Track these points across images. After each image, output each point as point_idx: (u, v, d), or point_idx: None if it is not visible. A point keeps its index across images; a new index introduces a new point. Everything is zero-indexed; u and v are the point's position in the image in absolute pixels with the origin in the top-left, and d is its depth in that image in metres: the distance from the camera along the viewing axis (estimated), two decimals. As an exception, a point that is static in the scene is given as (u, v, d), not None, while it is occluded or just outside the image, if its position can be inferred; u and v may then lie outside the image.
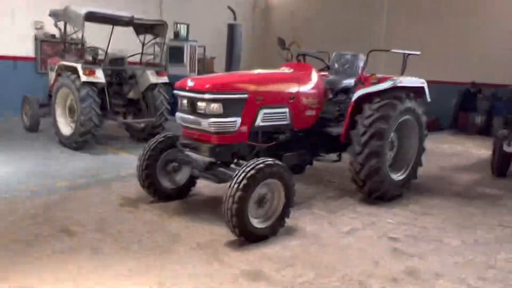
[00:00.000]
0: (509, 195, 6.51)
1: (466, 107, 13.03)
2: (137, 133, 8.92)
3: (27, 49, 11.54)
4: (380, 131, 5.36)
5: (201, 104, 4.56)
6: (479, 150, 10.12)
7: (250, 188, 4.09)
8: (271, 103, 4.94)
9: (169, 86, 8.69)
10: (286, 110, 5.11)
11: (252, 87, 4.76)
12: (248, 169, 4.13)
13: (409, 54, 5.97)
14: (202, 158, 4.68)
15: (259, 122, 4.85)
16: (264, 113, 4.88)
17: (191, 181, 5.53)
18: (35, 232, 4.35)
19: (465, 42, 13.06)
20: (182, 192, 5.52)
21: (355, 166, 5.50)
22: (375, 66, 6.78)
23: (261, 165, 4.17)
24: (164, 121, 8.68)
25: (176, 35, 13.74)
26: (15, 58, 11.36)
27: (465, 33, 13.06)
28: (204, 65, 14.75)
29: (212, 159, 4.62)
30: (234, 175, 4.15)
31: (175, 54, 12.58)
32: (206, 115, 4.53)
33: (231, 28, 6.62)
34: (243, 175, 4.09)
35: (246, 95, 4.67)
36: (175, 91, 4.82)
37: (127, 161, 7.31)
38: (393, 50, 5.79)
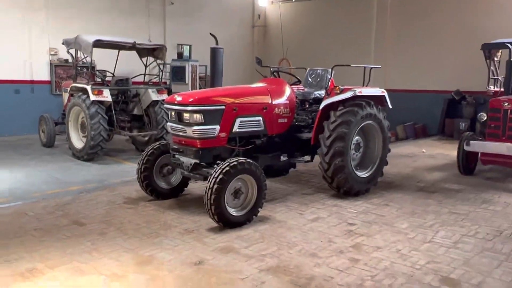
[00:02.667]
0: (468, 189, 7.31)
1: (452, 114, 13.83)
2: (142, 146, 9.91)
3: (43, 74, 12.73)
4: (342, 134, 6.26)
5: (186, 115, 5.53)
6: (455, 152, 10.86)
7: (225, 181, 5.02)
8: (246, 112, 5.89)
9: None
10: (260, 118, 6.06)
11: (228, 100, 5.72)
12: (224, 166, 5.06)
13: (371, 67, 6.88)
14: (188, 160, 5.63)
15: (236, 129, 5.80)
16: (240, 121, 5.82)
17: (184, 182, 6.47)
18: (53, 223, 5.32)
19: (450, 53, 13.93)
20: (176, 192, 6.46)
21: (323, 165, 6.40)
22: (358, 78, 7.62)
23: (235, 163, 5.10)
24: (165, 134, 9.67)
25: (180, 55, 14.87)
26: (32, 82, 12.55)
27: (450, 44, 13.94)
28: (206, 83, 15.84)
29: (196, 161, 5.57)
30: (213, 171, 5.10)
31: (178, 73, 13.67)
32: (190, 124, 5.50)
33: (214, 51, 7.62)
34: (219, 171, 5.03)
35: (223, 107, 5.64)
36: (166, 105, 5.82)
37: (131, 170, 8.23)
38: (353, 65, 6.71)
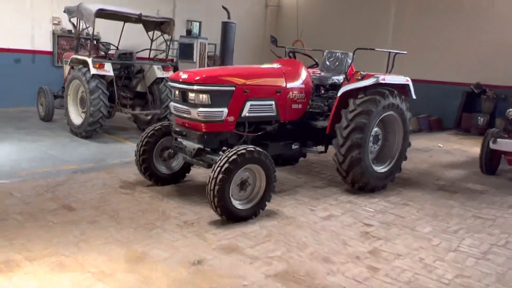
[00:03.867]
0: (492, 191, 6.77)
1: (470, 108, 13.19)
2: (144, 125, 9.39)
3: (45, 43, 12.16)
4: (361, 125, 5.71)
5: (191, 95, 4.98)
6: (475, 149, 10.30)
7: (231, 171, 4.50)
8: (258, 96, 5.33)
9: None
10: (273, 103, 5.50)
11: (239, 80, 5.16)
12: (230, 154, 4.54)
13: (396, 53, 6.28)
14: (192, 144, 5.11)
15: (245, 113, 5.25)
16: (251, 105, 5.27)
17: (186, 167, 5.96)
18: (41, 206, 4.84)
19: (471, 43, 13.20)
20: (176, 178, 5.96)
21: (338, 157, 5.86)
22: (379, 64, 7.05)
23: (243, 151, 4.57)
24: (169, 114, 9.12)
25: (189, 32, 14.23)
26: (34, 52, 11.99)
27: (471, 33, 13.19)
28: (215, 62, 15.24)
29: (200, 146, 5.04)
30: (218, 159, 4.57)
31: (186, 51, 13.06)
32: (195, 105, 4.95)
33: (225, 26, 7.03)
34: (225, 159, 4.51)
35: (233, 88, 5.08)
36: (169, 83, 5.27)
37: (131, 150, 7.68)
38: (377, 49, 6.11)
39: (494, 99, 12.72)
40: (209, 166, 5.11)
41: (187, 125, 5.17)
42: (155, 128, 5.66)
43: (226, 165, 4.47)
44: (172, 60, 11.91)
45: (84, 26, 8.87)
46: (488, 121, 12.63)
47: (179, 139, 5.31)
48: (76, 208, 4.86)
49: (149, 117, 9.27)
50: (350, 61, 6.57)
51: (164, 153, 5.76)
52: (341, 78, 6.48)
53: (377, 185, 6.16)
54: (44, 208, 4.81)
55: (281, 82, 5.60)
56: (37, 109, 10.27)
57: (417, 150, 9.60)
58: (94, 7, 8.05)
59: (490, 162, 7.65)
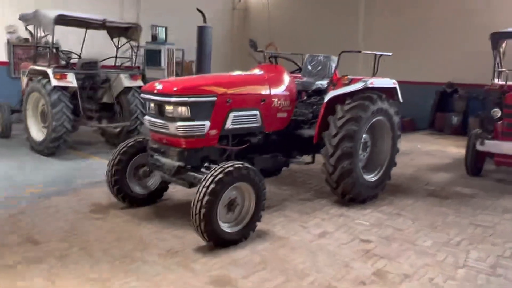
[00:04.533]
0: (481, 194, 6.57)
1: (443, 107, 13.18)
2: (113, 138, 8.77)
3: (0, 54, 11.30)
4: (351, 133, 5.36)
5: (168, 108, 4.48)
6: (453, 149, 10.24)
7: (219, 192, 4.04)
8: (241, 105, 4.89)
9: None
10: (257, 112, 5.07)
11: (221, 90, 4.70)
12: (217, 172, 4.07)
13: (381, 55, 5.98)
14: (171, 162, 4.61)
15: (229, 125, 4.80)
16: (234, 116, 4.82)
17: (163, 185, 5.45)
18: (0, 241, 4.23)
19: (442, 42, 13.19)
20: (153, 197, 5.44)
21: (328, 167, 5.49)
22: (352, 67, 6.81)
23: (230, 168, 4.12)
24: (140, 125, 8.56)
25: (154, 37, 13.61)
26: (-13, 63, 11.13)
27: (442, 33, 13.19)
28: (183, 69, 14.68)
29: (181, 163, 4.55)
30: (203, 179, 4.10)
31: (153, 58, 12.47)
32: (173, 119, 4.46)
33: (201, 30, 6.55)
34: (211, 179, 4.04)
35: (214, 98, 4.62)
36: (143, 95, 4.75)
37: (100, 167, 7.15)
38: (364, 51, 5.79)
39: (466, 98, 12.74)
40: (191, 185, 4.64)
41: (164, 141, 4.67)
42: (128, 145, 5.12)
43: (212, 185, 4.00)
44: (138, 67, 11.28)
45: (42, 34, 8.18)
46: (462, 120, 12.65)
47: (155, 156, 4.80)
48: (42, 241, 4.26)
49: (117, 130, 8.65)
50: (334, 65, 6.21)
51: (139, 172, 5.23)
52: (324, 83, 6.12)
53: (368, 195, 5.82)
54: (3, 243, 4.19)
55: (265, 90, 5.18)
56: (-7, 125, 9.44)
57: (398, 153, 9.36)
58: (53, 13, 7.40)
59: (475, 163, 7.48)
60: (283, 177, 6.98)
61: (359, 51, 5.82)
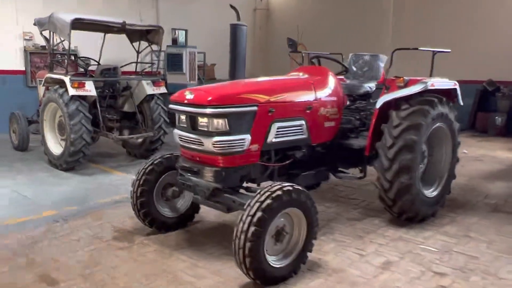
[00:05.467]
0: (554, 207, 5.75)
1: (484, 107, 12.27)
2: (135, 149, 8.19)
3: (16, 62, 10.86)
4: (410, 143, 4.62)
5: (202, 120, 3.82)
6: (503, 153, 9.37)
7: (267, 221, 3.36)
8: (286, 115, 4.20)
9: (168, 96, 8.03)
10: (303, 122, 4.37)
11: (262, 98, 4.02)
12: (263, 197, 3.39)
13: (437, 52, 5.23)
14: (206, 183, 3.94)
15: (271, 138, 4.11)
16: (278, 128, 4.13)
17: (194, 207, 4.80)
18: (10, 280, 3.62)
19: (480, 37, 12.28)
20: (184, 220, 4.80)
21: (383, 183, 4.76)
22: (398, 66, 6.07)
23: (279, 192, 3.43)
24: (163, 135, 7.95)
25: (174, 41, 13.04)
26: (3, 72, 10.68)
27: (479, 27, 12.29)
28: (205, 73, 14.09)
29: (218, 185, 3.88)
30: (246, 205, 3.42)
31: (174, 62, 11.86)
32: (209, 133, 3.79)
33: (234, 29, 5.89)
34: (256, 205, 3.36)
35: (255, 108, 3.94)
36: (171, 106, 4.09)
37: (122, 182, 6.59)
38: (420, 48, 5.05)
39: (510, 96, 11.81)
40: (229, 209, 3.98)
41: (198, 158, 4.00)
42: (155, 162, 4.48)
43: (259, 213, 3.32)
44: (159, 72, 10.69)
45: (59, 40, 7.65)
46: (506, 120, 11.73)
47: (187, 176, 4.14)
48: (59, 280, 3.64)
49: (140, 140, 8.05)
50: (382, 65, 5.49)
51: (168, 192, 4.60)
52: (373, 85, 5.41)
53: (427, 213, 5.07)
54: (14, 282, 3.59)
55: (311, 96, 4.47)
56: (9, 137, 8.97)
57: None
58: (69, 17, 6.83)
59: (539, 171, 6.66)
60: (323, 191, 6.31)
61: (416, 48, 5.06)
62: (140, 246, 4.33)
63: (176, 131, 4.14)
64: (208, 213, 5.10)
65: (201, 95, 3.84)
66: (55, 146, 7.46)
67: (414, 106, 4.75)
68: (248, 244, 3.30)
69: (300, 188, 3.60)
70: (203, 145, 3.83)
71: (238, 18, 6.25)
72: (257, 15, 16.64)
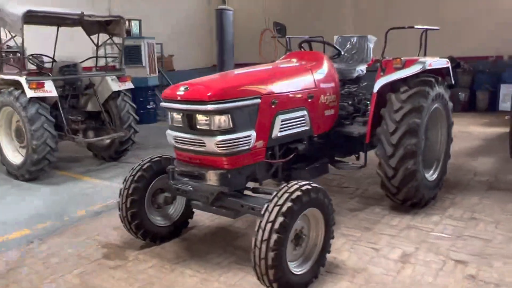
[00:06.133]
0: (544, 180, 5.79)
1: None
2: (102, 152, 7.56)
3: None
4: (414, 127, 4.42)
5: (202, 118, 3.39)
6: (476, 128, 9.50)
7: (288, 226, 3.03)
8: (289, 106, 3.85)
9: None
10: (305, 112, 4.04)
11: (264, 89, 3.64)
12: (282, 200, 3.05)
13: (428, 29, 5.04)
14: (209, 187, 3.53)
15: (276, 132, 3.75)
16: (282, 120, 3.78)
17: (188, 212, 4.38)
18: (-10, 321, 3.09)
19: (437, 15, 12.38)
20: (178, 228, 4.37)
21: (387, 171, 4.53)
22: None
23: (298, 193, 3.10)
24: (134, 134, 7.39)
25: (128, 32, 12.26)
26: None
27: (435, 4, 12.40)
28: (163, 65, 13.44)
29: (224, 188, 3.48)
30: (263, 210, 3.06)
31: (131, 54, 11.14)
32: (211, 132, 3.37)
33: (220, 14, 5.42)
34: (276, 210, 3.01)
35: (258, 100, 3.56)
36: (164, 104, 3.62)
37: (95, 190, 6.04)
38: (416, 27, 4.81)
39: (471, 72, 12.04)
40: (236, 215, 3.60)
41: (198, 161, 3.57)
42: (143, 167, 4.00)
43: (280, 218, 2.97)
44: (114, 67, 9.95)
45: (8, 35, 6.85)
46: (469, 96, 11.97)
47: (183, 179, 3.70)
48: (50, 314, 3.15)
49: (107, 142, 7.43)
50: (371, 46, 5.25)
51: (159, 199, 4.15)
52: (364, 68, 5.15)
53: (430, 197, 4.92)
54: (-3, 323, 3.06)
55: (311, 83, 4.14)
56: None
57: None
58: (20, 10, 6.07)
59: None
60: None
61: (412, 27, 4.81)
62: (136, 263, 3.87)
63: (169, 131, 3.68)
64: (200, 216, 4.69)
65: (199, 90, 3.41)
66: (14, 155, 6.73)
67: (413, 87, 4.54)
68: (271, 254, 2.95)
69: (317, 186, 3.28)
70: (204, 146, 3.41)
71: (224, 2, 5.77)
72: (212, 2, 16.00)
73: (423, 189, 4.68)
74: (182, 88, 3.46)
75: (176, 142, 3.63)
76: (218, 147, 3.35)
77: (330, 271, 3.58)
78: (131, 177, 3.98)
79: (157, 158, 4.11)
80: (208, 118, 3.35)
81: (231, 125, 3.36)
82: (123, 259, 3.95)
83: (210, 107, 3.29)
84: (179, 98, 3.49)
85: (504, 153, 7.01)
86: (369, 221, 4.62)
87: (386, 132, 4.48)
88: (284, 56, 4.71)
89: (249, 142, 3.49)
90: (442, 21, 12.11)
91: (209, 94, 3.32)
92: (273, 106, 3.67)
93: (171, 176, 3.80)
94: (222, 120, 3.34)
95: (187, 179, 3.64)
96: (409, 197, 4.64)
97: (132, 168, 4.05)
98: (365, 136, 4.66)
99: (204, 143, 3.39)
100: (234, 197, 3.60)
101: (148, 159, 4.09)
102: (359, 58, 5.36)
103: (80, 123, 7.10)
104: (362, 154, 5.04)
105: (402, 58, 4.62)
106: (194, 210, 4.41)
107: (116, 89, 7.11)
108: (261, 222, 3.03)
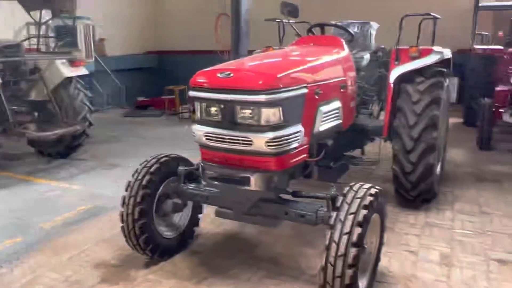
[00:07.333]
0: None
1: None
2: (49, 147, 6.49)
3: None
4: (435, 120, 4.20)
5: (246, 111, 2.81)
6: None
7: (363, 237, 2.60)
8: (327, 97, 3.38)
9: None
10: (340, 104, 3.61)
11: (309, 77, 3.14)
12: (355, 207, 2.61)
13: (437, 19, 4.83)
14: (250, 193, 2.96)
15: (318, 127, 3.28)
16: (324, 113, 3.31)
17: (194, 220, 3.77)
18: None
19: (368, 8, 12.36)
20: (185, 239, 3.73)
21: (406, 166, 4.27)
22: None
23: (370, 198, 2.68)
24: (88, 127, 6.43)
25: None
26: None
27: None
28: (95, 48, 12.15)
29: (270, 194, 2.95)
30: (333, 220, 2.60)
31: (66, 36, 9.81)
32: (259, 128, 2.80)
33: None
34: (350, 218, 2.57)
35: (306, 90, 3.05)
36: (193, 92, 2.96)
37: (57, 193, 5.13)
38: (432, 14, 4.57)
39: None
40: (276, 222, 3.10)
41: (238, 163, 2.96)
42: (151, 170, 3.32)
43: (358, 229, 2.54)
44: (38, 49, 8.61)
45: None
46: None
47: (216, 183, 3.08)
48: None
49: (55, 136, 6.37)
50: (374, 33, 4.95)
51: (166, 206, 3.50)
52: (368, 56, 4.84)
53: (437, 191, 4.78)
54: None
55: (340, 71, 3.71)
56: None
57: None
58: None
59: (489, 136, 6.91)
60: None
61: (429, 14, 4.54)
62: (149, 286, 3.19)
63: (198, 127, 3.02)
64: (204, 222, 4.08)
65: (247, 77, 2.82)
66: None
67: (429, 78, 4.32)
68: (349, 272, 2.51)
69: (379, 188, 2.88)
70: (250, 144, 2.82)
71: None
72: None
73: (435, 184, 4.52)
74: (221, 74, 2.84)
75: (208, 139, 2.98)
76: (268, 145, 2.80)
77: (380, 281, 3.23)
78: (138, 181, 3.28)
79: (165, 158, 3.45)
80: (256, 111, 2.77)
81: (282, 119, 2.82)
82: (128, 281, 3.25)
83: (263, 97, 2.72)
84: (219, 86, 2.85)
85: (470, 143, 7.21)
86: (388, 221, 4.33)
87: (405, 126, 4.21)
88: (299, 40, 4.22)
89: (298, 139, 2.97)
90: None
91: (260, 82, 2.75)
92: (316, 97, 3.18)
93: (199, 179, 3.22)
94: (272, 114, 2.78)
95: (224, 183, 3.01)
96: (423, 192, 4.44)
97: (137, 171, 3.35)
98: (380, 130, 4.36)
99: (251, 141, 2.81)
100: (275, 202, 3.08)
101: (155, 160, 3.41)
102: (362, 45, 5.04)
103: (26, 114, 6.00)
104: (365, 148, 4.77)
105: (418, 47, 4.36)
106: (199, 216, 3.84)
107: (69, 75, 6.14)
108: (333, 234, 2.56)
